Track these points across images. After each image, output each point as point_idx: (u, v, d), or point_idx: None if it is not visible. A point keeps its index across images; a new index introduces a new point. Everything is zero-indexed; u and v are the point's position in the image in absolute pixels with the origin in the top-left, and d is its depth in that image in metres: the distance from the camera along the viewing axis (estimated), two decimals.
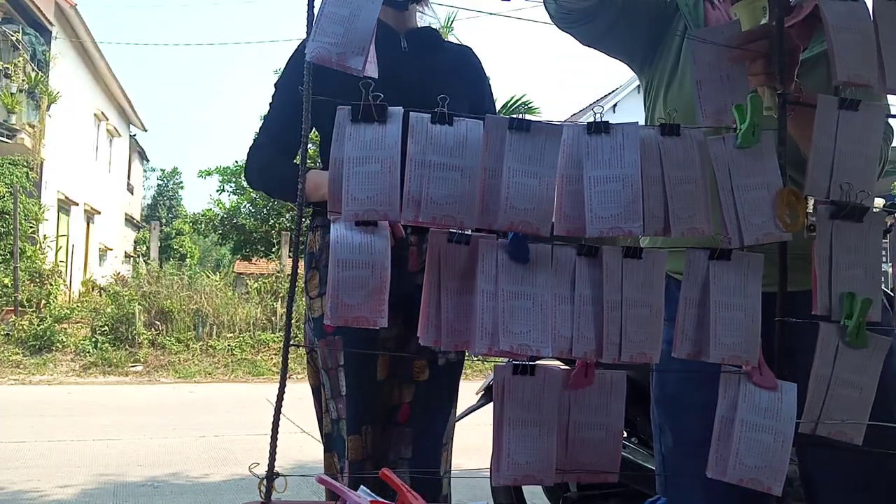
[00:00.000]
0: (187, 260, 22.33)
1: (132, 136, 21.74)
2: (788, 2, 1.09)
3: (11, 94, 11.28)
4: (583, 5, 1.24)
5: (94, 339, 9.62)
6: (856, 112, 1.02)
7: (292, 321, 0.98)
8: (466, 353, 1.35)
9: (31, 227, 11.43)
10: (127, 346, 9.67)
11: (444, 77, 1.65)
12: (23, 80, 11.62)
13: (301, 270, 1.46)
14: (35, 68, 12.21)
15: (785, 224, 0.97)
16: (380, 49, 1.01)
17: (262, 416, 5.03)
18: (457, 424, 2.70)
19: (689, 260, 1.00)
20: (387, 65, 1.30)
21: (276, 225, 15.03)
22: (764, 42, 1.04)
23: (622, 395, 1.01)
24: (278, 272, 12.01)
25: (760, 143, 1.00)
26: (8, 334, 9.42)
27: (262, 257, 15.60)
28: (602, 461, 1.00)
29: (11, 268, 10.14)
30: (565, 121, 1.02)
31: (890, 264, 1.09)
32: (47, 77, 12.64)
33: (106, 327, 9.83)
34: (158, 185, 34.12)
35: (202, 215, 16.73)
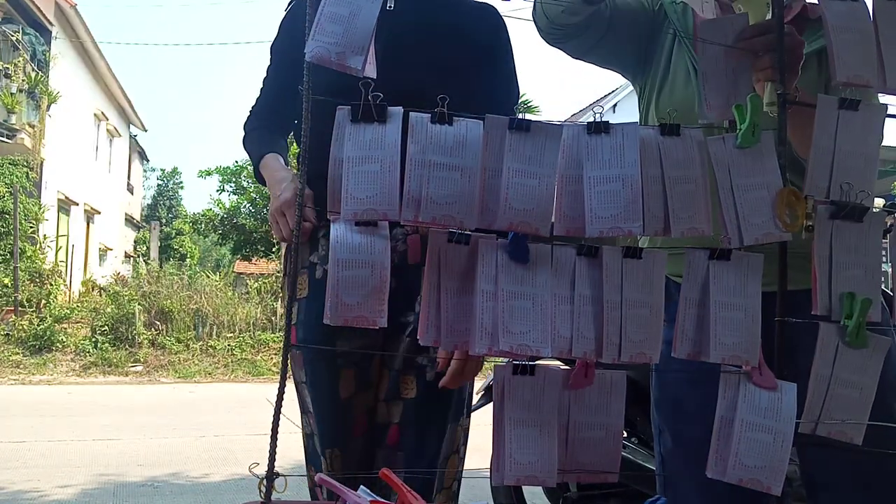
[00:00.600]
0: (187, 260, 22.34)
1: (132, 136, 21.73)
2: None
3: (11, 94, 11.28)
4: (573, 20, 1.24)
5: (94, 339, 9.62)
6: (856, 112, 1.01)
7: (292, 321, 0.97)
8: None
9: (31, 227, 11.42)
10: (127, 346, 9.67)
11: (444, 41, 1.42)
12: (23, 80, 11.62)
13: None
14: (35, 68, 12.20)
15: (785, 224, 0.97)
16: None
17: (262, 416, 5.00)
18: None
19: (689, 260, 1.00)
20: None
21: None
22: (771, 36, 1.04)
23: (622, 395, 1.01)
24: (278, 272, 12.01)
25: (760, 143, 1.00)
26: (8, 334, 9.42)
27: (262, 257, 15.60)
28: (602, 461, 1.00)
29: (11, 268, 10.14)
30: (565, 121, 1.02)
31: (890, 264, 1.09)
32: (47, 77, 12.64)
33: (106, 327, 9.83)
34: (158, 185, 34.13)
35: (202, 215, 16.71)
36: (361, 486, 0.96)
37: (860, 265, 1.01)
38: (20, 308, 9.91)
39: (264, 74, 1.58)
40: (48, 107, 12.51)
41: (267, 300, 11.12)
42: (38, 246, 11.39)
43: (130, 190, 21.95)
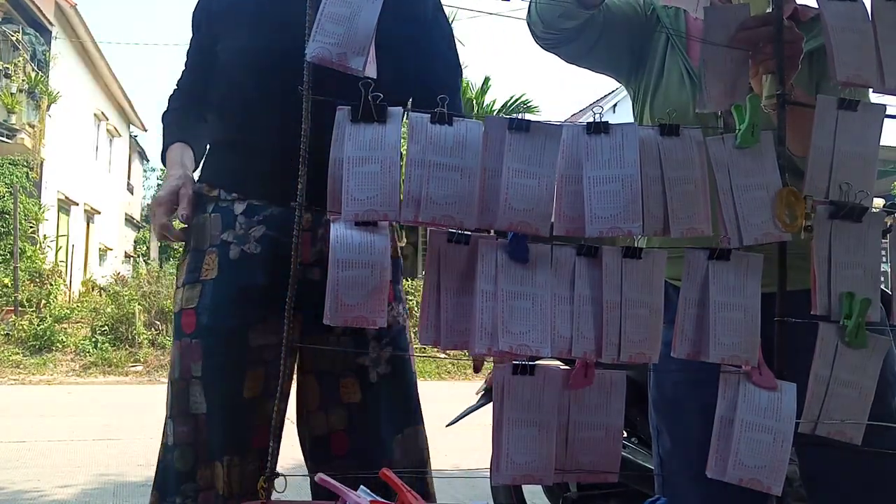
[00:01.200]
0: None
1: (132, 136, 21.74)
2: None
3: (11, 94, 11.27)
4: (569, 24, 1.25)
5: (94, 339, 9.62)
6: (854, 112, 1.02)
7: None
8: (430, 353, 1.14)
9: (31, 227, 11.42)
10: (127, 346, 9.67)
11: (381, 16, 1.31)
12: (23, 80, 11.61)
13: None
14: (35, 68, 12.20)
15: (784, 224, 0.98)
16: None
17: None
18: (457, 424, 2.72)
19: (689, 260, 1.00)
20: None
21: None
22: (772, 28, 1.04)
23: (622, 395, 1.01)
24: None
25: (759, 143, 1.00)
26: (8, 334, 9.41)
27: None
28: (602, 461, 1.00)
29: (11, 268, 10.14)
30: (565, 121, 1.02)
31: (889, 264, 1.09)
32: (47, 77, 12.64)
33: (106, 327, 9.82)
34: (158, 184, 34.07)
35: None
36: (361, 487, 0.96)
37: (859, 265, 1.01)
38: (20, 308, 9.91)
39: (188, 47, 1.46)
40: (48, 107, 12.51)
41: None
42: (38, 246, 11.39)
43: (130, 190, 21.96)
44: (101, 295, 11.92)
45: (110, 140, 18.45)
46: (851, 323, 0.99)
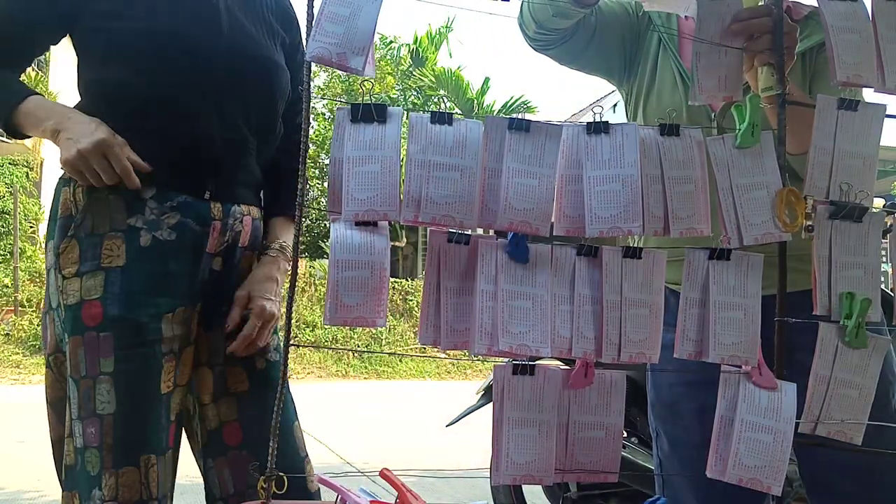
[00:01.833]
0: None
1: None
2: None
3: None
4: (562, 24, 1.25)
5: None
6: (855, 112, 1.02)
7: (292, 321, 0.97)
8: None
9: (31, 227, 11.43)
10: None
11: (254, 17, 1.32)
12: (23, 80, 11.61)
13: (300, 270, 1.41)
14: (35, 68, 12.20)
15: (784, 224, 0.98)
16: None
17: None
18: (457, 424, 2.72)
19: (689, 260, 1.00)
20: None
21: None
22: (767, 19, 1.04)
23: (622, 395, 1.01)
24: None
25: (760, 143, 1.00)
26: (8, 334, 9.42)
27: None
28: (602, 461, 1.00)
29: (11, 268, 10.14)
30: (565, 121, 1.02)
31: (890, 264, 1.09)
32: (47, 77, 12.64)
33: None
34: None
35: None
36: (361, 487, 0.96)
37: (860, 265, 1.01)
38: (20, 308, 9.91)
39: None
40: None
41: None
42: (38, 246, 11.39)
43: None
44: None
45: None
46: (851, 323, 0.99)
